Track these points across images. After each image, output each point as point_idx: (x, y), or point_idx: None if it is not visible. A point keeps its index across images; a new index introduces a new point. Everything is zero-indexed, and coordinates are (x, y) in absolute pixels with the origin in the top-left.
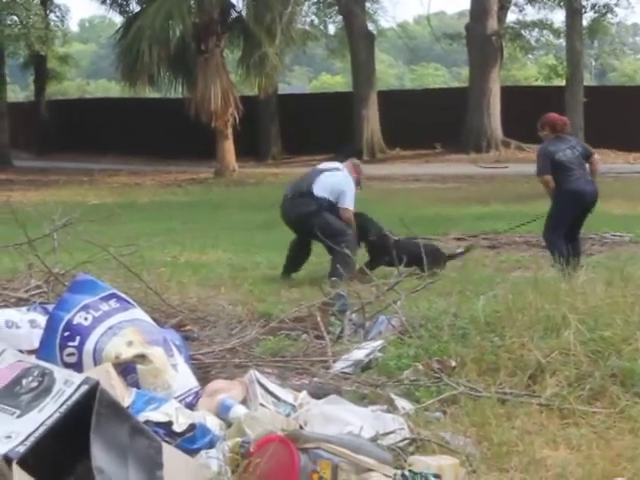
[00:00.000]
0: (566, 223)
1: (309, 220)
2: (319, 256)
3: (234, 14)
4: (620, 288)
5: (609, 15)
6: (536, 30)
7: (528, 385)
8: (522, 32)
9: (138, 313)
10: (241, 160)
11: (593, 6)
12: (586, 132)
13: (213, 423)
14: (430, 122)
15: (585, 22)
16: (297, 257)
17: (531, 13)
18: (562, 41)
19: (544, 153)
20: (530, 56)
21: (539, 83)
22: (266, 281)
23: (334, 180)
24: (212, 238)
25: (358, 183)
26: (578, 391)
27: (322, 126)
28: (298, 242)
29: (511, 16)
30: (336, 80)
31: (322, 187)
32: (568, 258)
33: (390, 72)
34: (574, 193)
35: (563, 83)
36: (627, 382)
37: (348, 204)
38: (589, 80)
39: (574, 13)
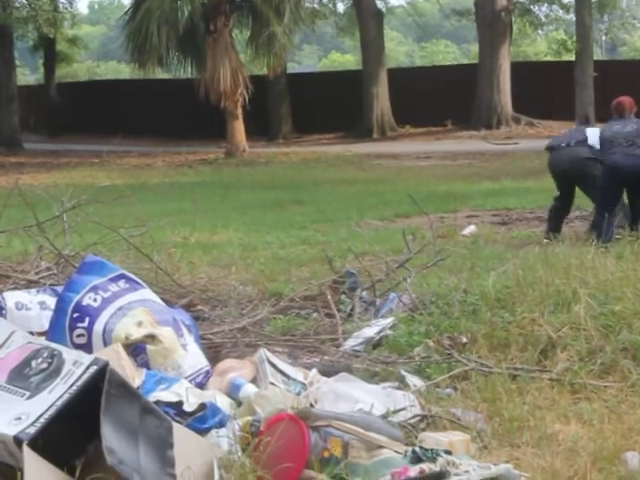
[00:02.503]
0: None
1: (585, 165)
2: (327, 235)
3: None
4: (631, 262)
5: None
6: (545, 5)
7: (539, 360)
8: (531, 7)
9: (147, 293)
10: (251, 140)
11: None
12: (597, 107)
13: (223, 402)
14: (440, 99)
15: None
16: (561, 217)
17: None
18: (572, 16)
19: None
20: (540, 32)
21: (549, 59)
22: (277, 260)
23: None
24: (223, 218)
25: None
26: (589, 366)
27: (332, 105)
28: (560, 205)
29: None
30: (346, 58)
31: (595, 139)
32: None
33: (400, 50)
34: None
35: (573, 58)
36: (638, 356)
37: None
38: (599, 55)
39: None
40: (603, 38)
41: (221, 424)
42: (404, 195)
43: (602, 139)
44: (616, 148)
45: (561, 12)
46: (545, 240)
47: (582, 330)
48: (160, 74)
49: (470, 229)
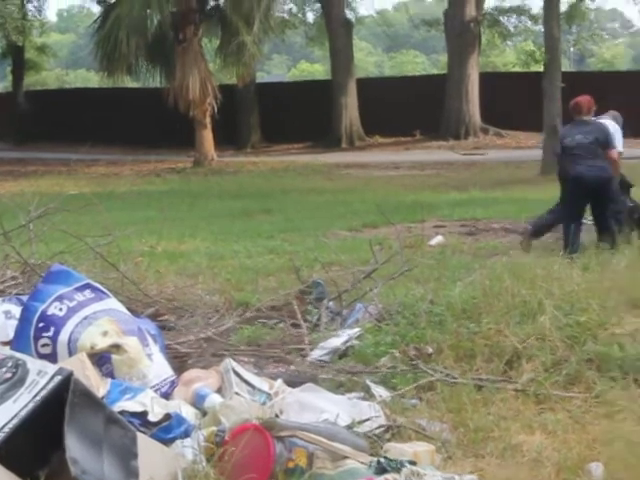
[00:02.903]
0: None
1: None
2: (295, 244)
3: (212, 3)
4: (596, 273)
5: (587, 1)
6: (514, 16)
7: (504, 371)
8: (500, 18)
9: (113, 303)
10: (220, 149)
11: None
12: (564, 118)
13: (188, 412)
14: (409, 109)
15: (563, 8)
16: None
17: None
18: (540, 27)
19: None
20: (508, 42)
21: (517, 69)
22: (244, 270)
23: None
24: (190, 227)
25: None
26: (554, 376)
27: (301, 114)
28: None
29: (489, 2)
30: (315, 68)
31: None
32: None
33: (369, 60)
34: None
35: (541, 69)
36: (603, 367)
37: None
38: (568, 66)
39: None
40: (571, 49)
41: (186, 434)
42: (372, 205)
43: (564, 147)
44: (580, 160)
45: (530, 23)
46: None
47: (547, 341)
48: (129, 83)
49: (437, 239)
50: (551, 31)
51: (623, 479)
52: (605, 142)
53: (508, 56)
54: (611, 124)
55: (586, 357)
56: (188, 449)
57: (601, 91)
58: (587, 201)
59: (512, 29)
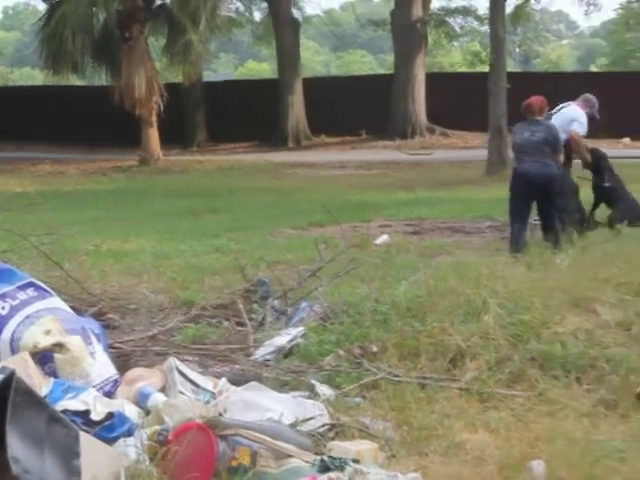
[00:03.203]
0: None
1: None
2: (241, 243)
3: (158, 1)
4: (540, 272)
5: (532, 2)
6: (460, 17)
7: (448, 369)
8: (446, 19)
9: (56, 302)
10: (166, 148)
11: None
12: (510, 118)
13: (132, 411)
14: (356, 109)
15: (509, 9)
16: None
17: (455, 0)
18: (486, 28)
19: None
20: (455, 43)
21: (464, 70)
22: (189, 269)
23: None
24: (136, 226)
25: None
26: (498, 375)
27: (248, 113)
28: None
29: (436, 3)
30: (262, 67)
31: None
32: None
33: (316, 59)
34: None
35: (487, 69)
36: (546, 365)
37: None
38: (513, 67)
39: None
40: (517, 50)
41: (129, 433)
42: (318, 204)
43: (513, 145)
44: (526, 157)
45: (476, 24)
46: None
47: (491, 339)
48: (75, 81)
49: (383, 238)
50: (497, 32)
51: (564, 476)
52: (554, 142)
53: (454, 56)
54: (577, 110)
55: (529, 356)
56: (131, 448)
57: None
58: (532, 199)
59: (458, 30)
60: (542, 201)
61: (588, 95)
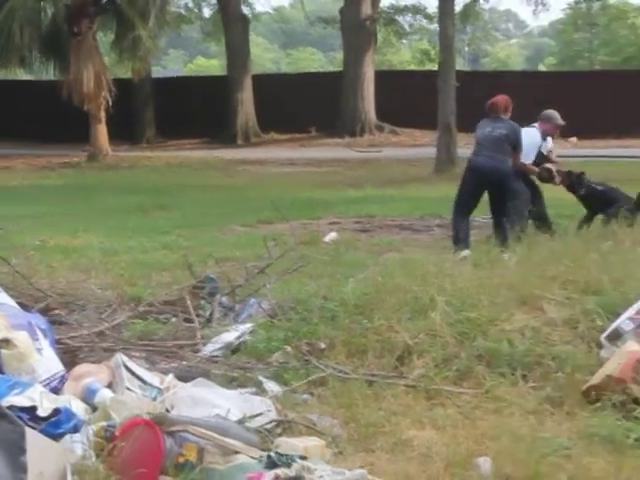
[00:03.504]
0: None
1: None
2: (190, 240)
3: None
4: (487, 270)
5: (481, 1)
6: (410, 15)
7: (396, 367)
8: (396, 17)
9: (2, 297)
10: (115, 144)
11: None
12: (459, 116)
13: (78, 407)
14: (305, 106)
15: (458, 8)
16: None
17: None
18: (435, 26)
19: None
20: (404, 41)
21: (414, 68)
22: (137, 265)
23: None
24: (84, 222)
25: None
26: (445, 372)
27: (197, 110)
28: None
29: (385, 1)
30: (212, 63)
31: None
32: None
33: (266, 56)
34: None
35: (436, 68)
36: (493, 363)
37: None
38: (462, 65)
39: None
40: (466, 49)
41: (75, 429)
42: (267, 201)
43: (475, 140)
44: (482, 151)
45: (425, 22)
46: None
47: (438, 337)
48: (22, 75)
49: (332, 236)
50: (446, 30)
51: (510, 473)
52: (515, 141)
53: (404, 55)
54: (534, 133)
55: (476, 353)
56: (78, 444)
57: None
58: (480, 193)
59: (408, 28)
60: (492, 197)
61: (545, 112)
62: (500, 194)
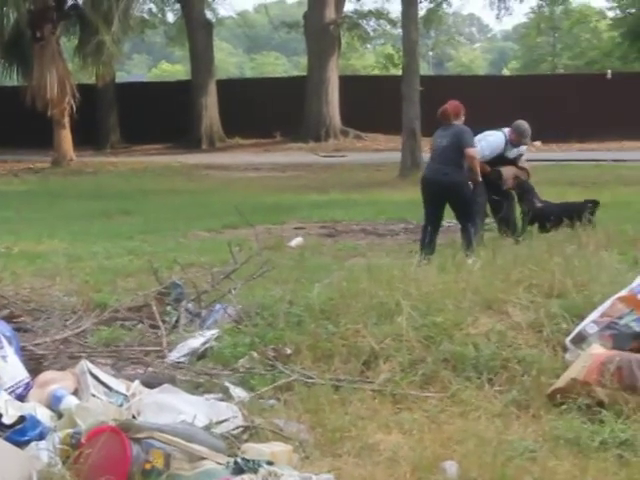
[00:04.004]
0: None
1: None
2: (154, 245)
3: (70, 1)
4: (452, 274)
5: (444, 5)
6: (373, 20)
7: (362, 371)
8: (359, 22)
9: None
10: (79, 149)
11: None
12: (423, 121)
13: (44, 414)
14: (270, 111)
15: (422, 12)
16: None
17: (368, 2)
18: (399, 31)
19: None
20: (369, 45)
21: (378, 72)
22: (102, 271)
23: None
24: (48, 228)
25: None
26: (411, 376)
27: (161, 115)
28: None
29: (349, 5)
30: (176, 68)
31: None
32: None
33: (230, 61)
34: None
35: (400, 72)
36: (458, 367)
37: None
38: (426, 70)
39: (409, 3)
40: (430, 53)
41: (41, 437)
42: (232, 206)
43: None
44: (430, 162)
45: (389, 27)
46: None
47: (404, 341)
48: None
49: (297, 241)
50: (409, 35)
51: (476, 477)
52: (462, 142)
53: (368, 59)
54: (499, 137)
55: (442, 357)
56: (43, 451)
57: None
58: (433, 203)
59: (371, 32)
60: (451, 206)
61: (519, 124)
62: (452, 203)
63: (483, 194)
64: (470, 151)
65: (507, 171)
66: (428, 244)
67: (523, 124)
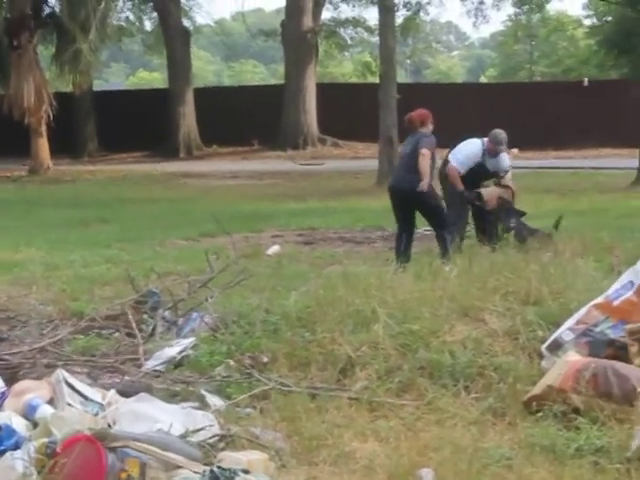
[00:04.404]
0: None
1: None
2: (132, 254)
3: (47, 9)
4: (429, 282)
5: (421, 13)
6: (351, 27)
7: (339, 379)
8: (337, 29)
9: None
10: (56, 157)
11: (405, 4)
12: (400, 129)
13: (19, 424)
14: (248, 119)
15: (399, 20)
16: None
17: (346, 11)
18: (377, 39)
19: None
20: (346, 53)
21: (355, 80)
22: (79, 279)
23: None
24: (25, 236)
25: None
26: (387, 384)
27: (139, 123)
28: None
29: (326, 13)
30: (154, 77)
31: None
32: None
33: (208, 69)
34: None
35: (378, 80)
36: (435, 374)
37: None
38: (404, 77)
39: (386, 11)
40: (408, 61)
41: (16, 446)
42: (210, 214)
43: None
44: (395, 171)
45: (366, 35)
46: None
47: (381, 349)
48: None
49: (274, 249)
50: (386, 43)
51: None
52: (417, 148)
53: (346, 67)
54: (476, 145)
55: (418, 365)
56: (18, 461)
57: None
58: (404, 210)
59: (349, 40)
60: (421, 214)
61: (496, 133)
62: (419, 210)
63: (460, 203)
64: (421, 151)
65: (490, 192)
66: (403, 252)
67: (499, 132)
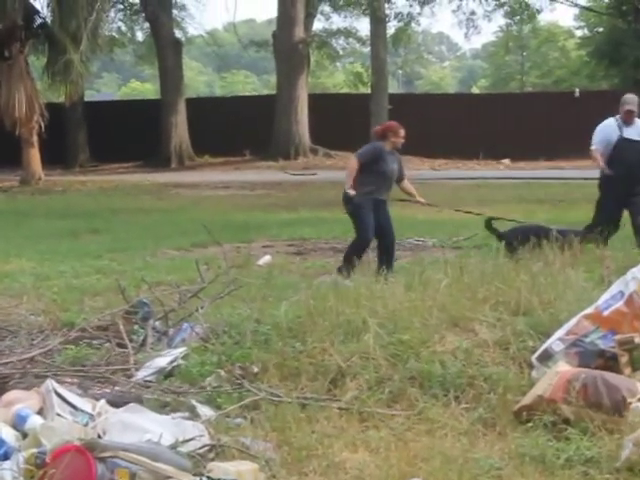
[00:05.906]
0: None
1: None
2: (123, 264)
3: (39, 20)
4: (419, 292)
5: (413, 24)
6: (342, 38)
7: (329, 389)
8: (328, 40)
9: None
10: (48, 168)
11: (397, 15)
12: None
13: (8, 434)
14: (239, 129)
15: (390, 31)
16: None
17: (337, 21)
18: (368, 49)
19: None
20: (338, 64)
21: (347, 90)
22: (70, 290)
23: None
24: (16, 247)
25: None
26: (378, 394)
27: (130, 133)
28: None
29: (318, 24)
30: (145, 87)
31: None
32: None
33: (200, 79)
34: None
35: (369, 90)
36: (425, 384)
37: None
38: (396, 88)
39: (378, 22)
40: (399, 72)
41: (6, 457)
42: (201, 225)
43: None
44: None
45: (358, 45)
46: None
47: (371, 359)
48: None
49: (265, 259)
50: (378, 53)
51: None
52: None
53: (337, 77)
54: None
55: (409, 375)
56: (7, 472)
57: (427, 112)
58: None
59: (340, 51)
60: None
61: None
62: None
63: (615, 205)
64: (349, 160)
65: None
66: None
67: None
